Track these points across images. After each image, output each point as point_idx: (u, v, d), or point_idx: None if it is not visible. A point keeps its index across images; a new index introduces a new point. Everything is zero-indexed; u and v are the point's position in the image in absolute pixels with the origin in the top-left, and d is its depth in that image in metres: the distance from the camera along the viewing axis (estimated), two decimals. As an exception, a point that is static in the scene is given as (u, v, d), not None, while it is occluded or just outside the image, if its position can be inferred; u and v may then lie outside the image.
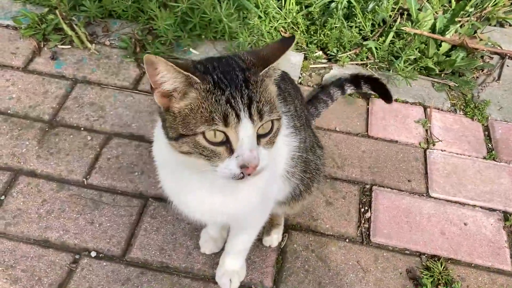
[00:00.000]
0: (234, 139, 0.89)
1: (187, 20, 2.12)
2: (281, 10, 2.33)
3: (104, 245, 1.52)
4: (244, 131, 0.88)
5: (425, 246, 1.61)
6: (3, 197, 1.61)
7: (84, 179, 1.68)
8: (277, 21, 2.29)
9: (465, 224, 1.68)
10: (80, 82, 1.98)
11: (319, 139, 1.55)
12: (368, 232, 1.63)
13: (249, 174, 0.90)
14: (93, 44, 2.11)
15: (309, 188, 1.40)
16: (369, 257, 1.57)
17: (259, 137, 0.92)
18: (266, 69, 0.93)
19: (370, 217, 1.67)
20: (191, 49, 2.15)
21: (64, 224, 1.56)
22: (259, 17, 2.26)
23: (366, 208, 1.70)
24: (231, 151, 0.90)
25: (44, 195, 1.63)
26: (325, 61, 2.26)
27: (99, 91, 1.95)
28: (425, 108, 2.06)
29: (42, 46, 2.09)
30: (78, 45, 2.07)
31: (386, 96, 1.96)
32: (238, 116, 0.87)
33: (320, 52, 2.29)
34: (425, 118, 2.02)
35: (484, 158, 1.90)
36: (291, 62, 2.17)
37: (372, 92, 2.05)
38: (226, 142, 0.90)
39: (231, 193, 1.08)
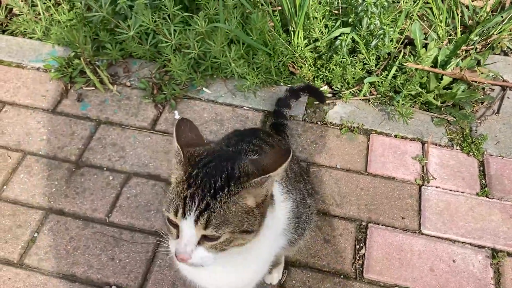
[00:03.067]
0: (180, 229, 1.03)
1: (200, 62, 2.29)
2: (289, 45, 2.47)
3: (123, 280, 1.72)
4: (186, 228, 1.00)
5: (414, 283, 1.75)
6: (36, 234, 1.83)
7: (106, 218, 1.88)
8: (286, 56, 2.44)
9: (453, 261, 1.81)
10: (103, 123, 2.19)
11: (313, 185, 1.70)
12: (361, 268, 1.78)
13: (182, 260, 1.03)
14: (115, 86, 2.31)
15: (302, 234, 1.56)
16: (361, 293, 1.72)
17: (205, 238, 1.02)
18: (245, 184, 1.01)
19: (364, 253, 1.82)
20: (204, 89, 2.32)
21: (89, 260, 1.77)
22: (268, 53, 2.41)
23: (361, 245, 1.84)
24: (177, 236, 1.04)
25: (71, 232, 1.84)
26: (330, 95, 2.40)
27: (120, 132, 2.15)
28: (423, 143, 2.18)
29: (69, 88, 2.30)
30: (100, 89, 2.27)
31: (320, 98, 2.26)
32: (184, 214, 0.99)
33: (326, 87, 2.43)
34: (422, 154, 2.14)
35: (477, 194, 2.01)
36: (298, 100, 2.32)
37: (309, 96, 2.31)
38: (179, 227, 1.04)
39: (242, 266, 1.24)
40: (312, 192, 1.67)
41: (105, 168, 2.03)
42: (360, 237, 1.86)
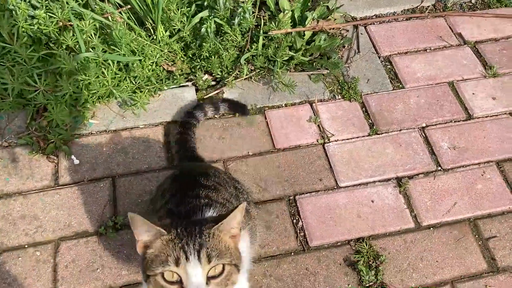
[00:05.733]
0: (184, 278, 1.16)
1: (77, 96, 2.15)
2: (154, 44, 2.41)
3: None
4: (192, 270, 1.15)
5: (350, 234, 2.01)
6: None
7: (54, 295, 1.81)
8: (156, 56, 2.38)
9: (372, 201, 2.10)
10: (0, 198, 2.00)
11: (246, 191, 1.82)
12: (305, 240, 1.99)
13: None
14: (-8, 152, 2.08)
15: (255, 240, 1.72)
16: (313, 261, 1.94)
17: (210, 278, 1.17)
18: (216, 225, 1.22)
19: (302, 225, 2.02)
20: (90, 121, 2.21)
21: None
22: (140, 60, 2.33)
23: (297, 218, 2.04)
24: None
25: (25, 325, 1.75)
26: (214, 83, 2.44)
27: (24, 200, 1.99)
28: (311, 103, 2.38)
29: None
30: (-25, 162, 2.04)
31: (243, 111, 2.30)
32: (187, 258, 1.14)
33: (207, 76, 2.46)
34: (314, 114, 2.34)
35: (369, 134, 2.29)
36: (187, 99, 2.32)
37: (231, 111, 2.33)
38: (180, 282, 1.16)
39: None
40: (249, 199, 1.79)
41: (26, 246, 1.90)
42: (293, 211, 2.05)
